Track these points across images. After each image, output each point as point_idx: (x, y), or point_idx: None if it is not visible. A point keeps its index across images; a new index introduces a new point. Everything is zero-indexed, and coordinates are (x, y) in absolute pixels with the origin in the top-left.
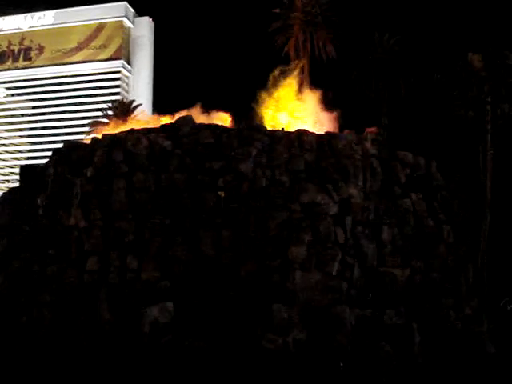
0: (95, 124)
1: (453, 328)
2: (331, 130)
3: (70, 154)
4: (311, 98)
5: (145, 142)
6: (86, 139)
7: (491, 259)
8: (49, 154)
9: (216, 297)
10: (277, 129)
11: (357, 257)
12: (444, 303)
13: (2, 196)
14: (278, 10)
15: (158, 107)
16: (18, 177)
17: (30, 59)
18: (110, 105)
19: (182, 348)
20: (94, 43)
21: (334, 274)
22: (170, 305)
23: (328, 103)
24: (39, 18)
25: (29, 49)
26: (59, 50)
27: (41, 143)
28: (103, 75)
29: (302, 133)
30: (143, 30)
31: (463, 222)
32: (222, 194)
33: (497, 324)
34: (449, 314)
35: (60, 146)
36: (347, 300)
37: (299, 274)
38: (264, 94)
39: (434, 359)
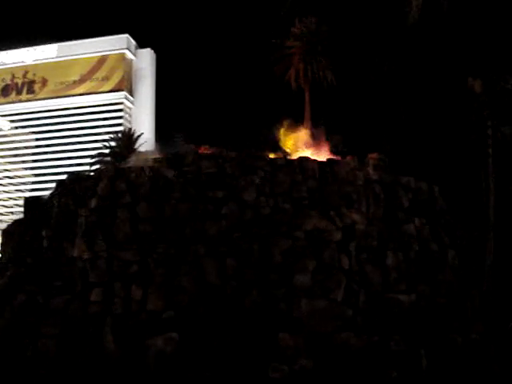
0: (98, 155)
1: (459, 353)
2: (333, 157)
3: (73, 186)
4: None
5: (148, 172)
6: (90, 171)
7: (497, 282)
8: (52, 185)
9: (221, 326)
10: (279, 156)
11: (362, 283)
12: (450, 328)
13: (6, 228)
14: (277, 41)
15: (161, 138)
16: (22, 209)
17: (33, 92)
18: (112, 136)
19: (188, 378)
20: (96, 75)
21: (339, 300)
22: (175, 335)
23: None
24: (42, 51)
25: (32, 82)
26: (62, 83)
27: (44, 175)
28: (106, 107)
29: (304, 160)
30: (145, 61)
31: (468, 245)
32: None
33: (503, 348)
34: (455, 338)
35: (64, 177)
36: (353, 327)
37: (304, 302)
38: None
39: None
